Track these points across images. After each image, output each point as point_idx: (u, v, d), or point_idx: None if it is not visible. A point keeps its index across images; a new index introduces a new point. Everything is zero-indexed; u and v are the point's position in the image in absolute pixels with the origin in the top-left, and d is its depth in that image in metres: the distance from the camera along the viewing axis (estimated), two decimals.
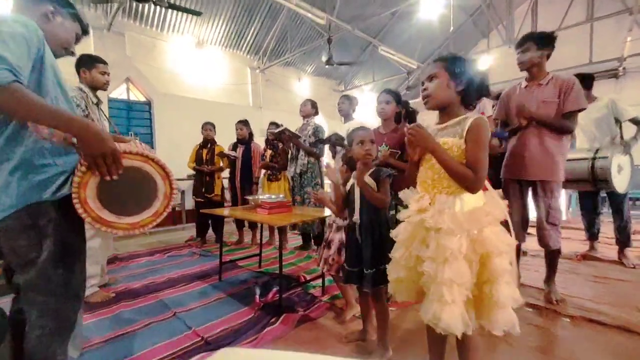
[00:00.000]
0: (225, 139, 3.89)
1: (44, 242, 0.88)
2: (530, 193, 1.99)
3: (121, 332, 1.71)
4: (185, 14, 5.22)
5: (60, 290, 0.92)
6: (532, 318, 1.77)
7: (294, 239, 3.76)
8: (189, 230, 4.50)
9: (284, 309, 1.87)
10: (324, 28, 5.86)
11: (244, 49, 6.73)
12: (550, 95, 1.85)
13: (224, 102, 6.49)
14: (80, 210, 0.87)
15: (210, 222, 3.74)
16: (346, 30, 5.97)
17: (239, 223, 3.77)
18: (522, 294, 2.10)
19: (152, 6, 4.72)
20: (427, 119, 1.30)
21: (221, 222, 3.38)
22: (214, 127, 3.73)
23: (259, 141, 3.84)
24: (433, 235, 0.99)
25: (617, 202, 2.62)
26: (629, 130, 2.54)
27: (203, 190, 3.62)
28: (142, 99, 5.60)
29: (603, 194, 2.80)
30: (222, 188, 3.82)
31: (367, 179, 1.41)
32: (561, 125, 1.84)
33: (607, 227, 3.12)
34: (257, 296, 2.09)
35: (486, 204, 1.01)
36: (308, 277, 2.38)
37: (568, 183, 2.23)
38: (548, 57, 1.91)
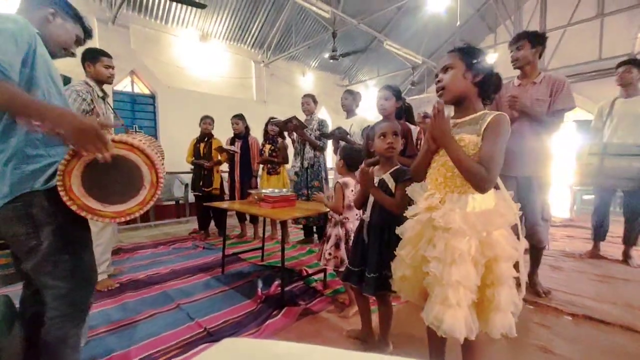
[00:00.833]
0: (228, 133, 3.89)
1: (41, 230, 0.91)
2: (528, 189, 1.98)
3: (126, 321, 1.74)
4: (189, 7, 5.19)
5: (69, 275, 0.95)
6: (533, 315, 1.77)
7: (296, 233, 3.78)
8: (193, 223, 4.53)
9: (285, 302, 1.89)
10: (329, 22, 5.81)
11: (248, 42, 6.70)
12: (543, 94, 1.89)
13: (228, 96, 6.49)
14: (65, 198, 0.88)
15: (212, 215, 3.76)
16: (351, 25, 5.92)
17: (241, 217, 3.79)
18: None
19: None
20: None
21: (224, 216, 3.39)
22: (213, 121, 3.73)
23: (258, 135, 3.84)
24: (441, 234, 0.95)
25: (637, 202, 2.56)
26: None
27: (201, 184, 3.64)
28: (147, 91, 5.61)
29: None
30: (222, 182, 3.83)
31: (387, 177, 1.31)
32: (551, 122, 1.86)
33: (613, 226, 3.09)
34: (259, 289, 2.11)
35: (497, 205, 0.98)
36: (310, 271, 2.40)
37: (619, 180, 2.19)
38: (540, 55, 1.94)
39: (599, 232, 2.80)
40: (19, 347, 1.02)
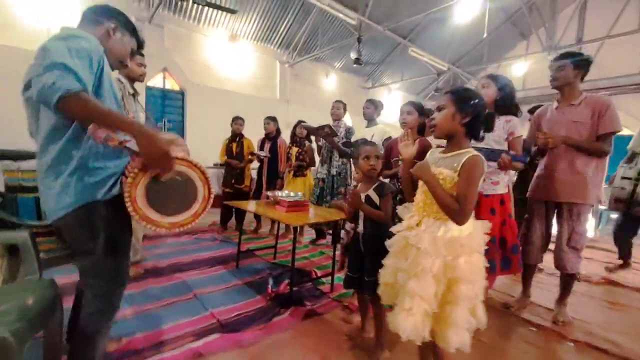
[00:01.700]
0: (251, 131, 4.06)
1: (97, 235, 1.01)
2: (555, 214, 1.96)
3: (150, 306, 1.92)
4: None
5: (110, 277, 1.08)
6: (535, 338, 1.77)
7: (308, 233, 3.89)
8: (213, 215, 4.74)
9: (293, 302, 2.01)
10: (355, 27, 5.86)
11: (275, 42, 6.85)
12: (583, 116, 1.80)
13: (252, 95, 6.68)
14: (130, 209, 0.95)
15: (234, 210, 3.95)
16: (376, 30, 5.93)
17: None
18: (530, 313, 2.08)
19: (191, 3, 4.93)
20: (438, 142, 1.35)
21: (244, 211, 3.56)
22: (244, 122, 3.93)
23: (286, 136, 3.98)
24: (414, 251, 1.11)
25: None
26: None
27: (233, 181, 3.85)
28: (177, 88, 5.90)
29: None
30: (251, 179, 4.05)
31: (371, 193, 1.51)
32: (594, 147, 1.79)
33: (635, 250, 2.99)
34: (270, 286, 2.24)
35: (471, 234, 1.09)
36: (319, 273, 2.50)
37: None
38: (582, 78, 1.86)
39: (624, 247, 2.75)
40: (59, 329, 1.15)
